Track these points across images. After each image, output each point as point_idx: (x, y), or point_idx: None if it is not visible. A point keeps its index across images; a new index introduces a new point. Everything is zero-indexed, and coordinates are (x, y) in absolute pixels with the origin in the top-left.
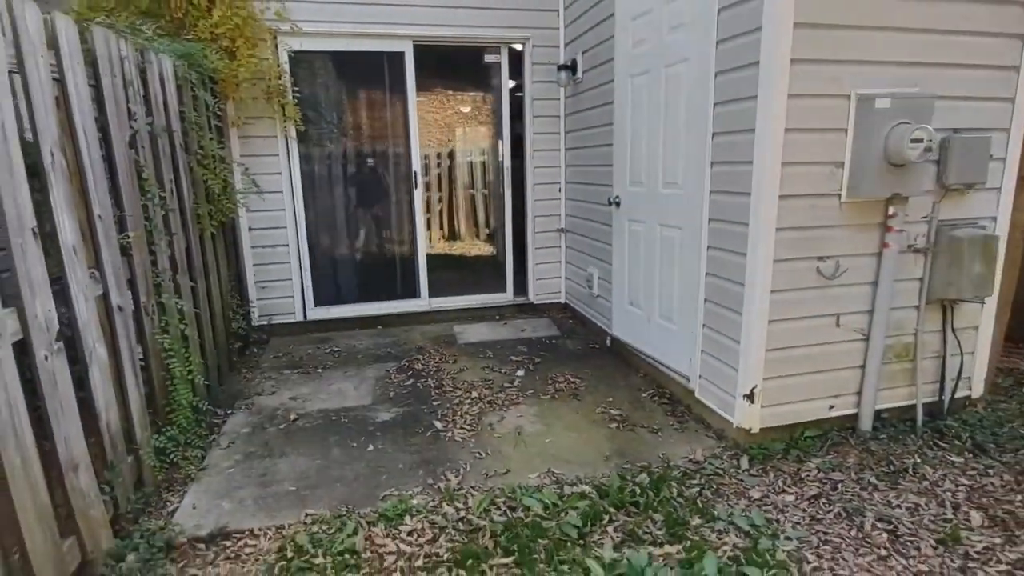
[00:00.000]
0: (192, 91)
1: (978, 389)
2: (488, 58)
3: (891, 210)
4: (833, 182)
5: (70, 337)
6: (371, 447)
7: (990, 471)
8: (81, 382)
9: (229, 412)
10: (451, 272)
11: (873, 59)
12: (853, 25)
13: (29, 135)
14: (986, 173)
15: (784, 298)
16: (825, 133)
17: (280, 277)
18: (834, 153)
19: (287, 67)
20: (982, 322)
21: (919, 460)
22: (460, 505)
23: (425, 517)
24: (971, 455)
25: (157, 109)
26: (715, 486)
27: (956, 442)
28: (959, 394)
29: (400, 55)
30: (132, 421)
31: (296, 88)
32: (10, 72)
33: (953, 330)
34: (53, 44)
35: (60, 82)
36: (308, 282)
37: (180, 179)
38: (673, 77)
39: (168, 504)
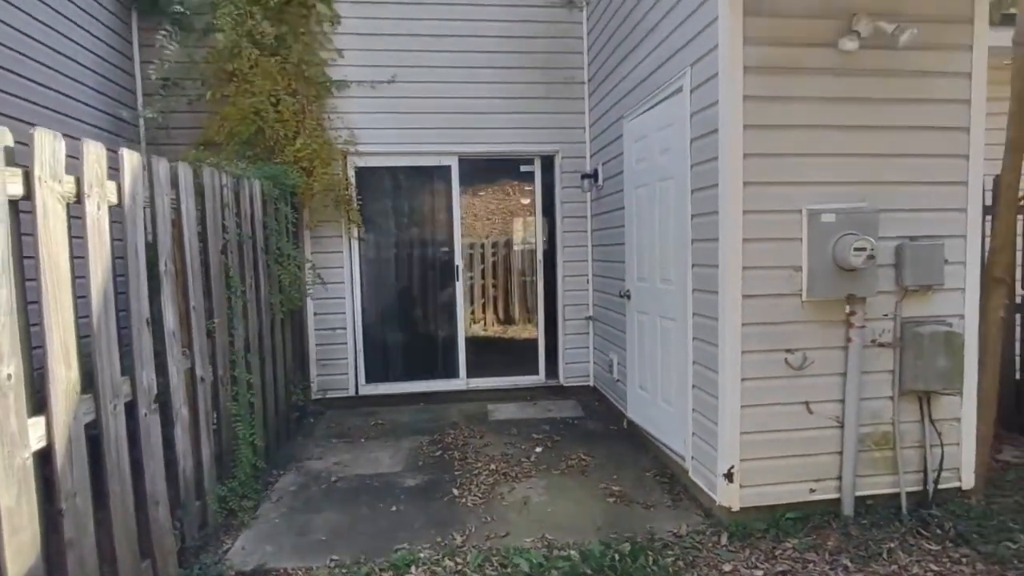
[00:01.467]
0: (275, 204)
1: (968, 481)
2: (523, 167)
3: (848, 308)
4: (793, 283)
5: (163, 404)
6: (394, 508)
7: (964, 559)
8: (167, 440)
9: (282, 472)
10: (488, 355)
11: (823, 180)
12: (802, 153)
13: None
14: (942, 276)
15: (755, 385)
16: (781, 242)
17: (337, 356)
18: (792, 259)
19: (353, 180)
20: (963, 414)
21: (895, 546)
22: (460, 560)
23: (428, 568)
24: (951, 544)
25: (245, 220)
26: (691, 558)
27: (938, 531)
28: (947, 485)
29: (447, 168)
30: (203, 472)
31: (359, 196)
32: (144, 206)
33: (932, 421)
34: (175, 183)
35: (176, 209)
36: (361, 362)
37: (259, 275)
38: (664, 191)
39: (223, 544)
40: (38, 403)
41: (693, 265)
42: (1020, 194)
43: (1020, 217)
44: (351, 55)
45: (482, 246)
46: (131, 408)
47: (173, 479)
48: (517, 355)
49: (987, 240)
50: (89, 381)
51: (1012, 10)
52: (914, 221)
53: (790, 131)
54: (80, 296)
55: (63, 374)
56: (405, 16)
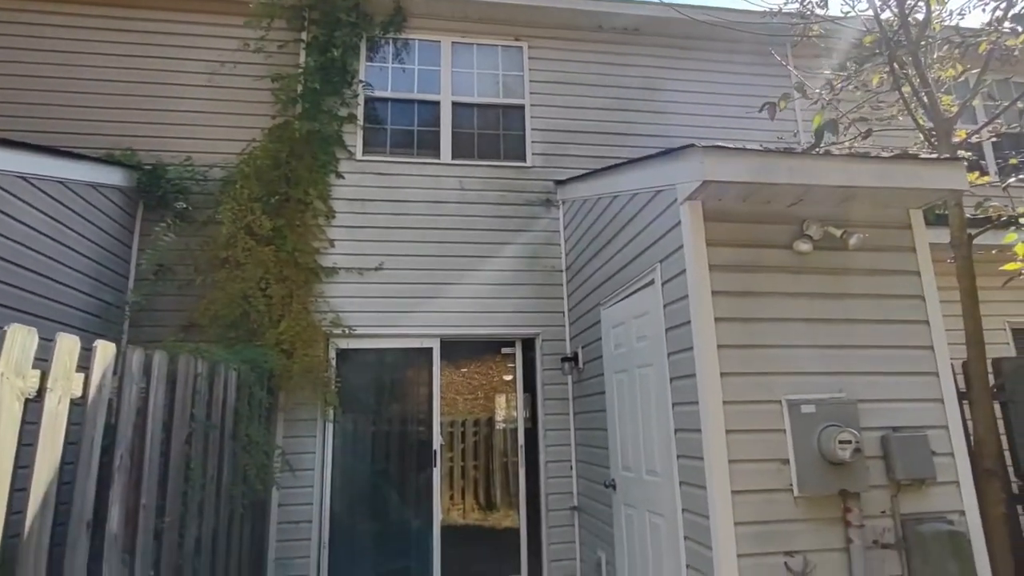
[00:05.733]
0: (250, 389)
1: None
2: (505, 350)
3: (843, 505)
4: (783, 478)
5: None
6: None
7: None
8: None
9: None
10: (466, 548)
11: (799, 370)
12: (775, 345)
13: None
14: (933, 468)
15: None
16: (766, 433)
17: (299, 554)
18: (778, 451)
19: (333, 362)
20: None
21: None
22: None
23: None
24: None
25: (216, 407)
26: None
27: None
28: None
29: (429, 349)
30: None
31: (338, 377)
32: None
33: None
34: (147, 371)
35: (144, 398)
36: (325, 560)
37: (222, 464)
38: (643, 378)
39: None
40: None
41: (678, 456)
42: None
43: (996, 402)
44: (341, 244)
45: (463, 424)
46: None
47: None
48: (498, 549)
49: (969, 423)
50: None
51: (945, 210)
52: (895, 411)
53: (761, 323)
54: (20, 488)
55: None
56: (395, 212)
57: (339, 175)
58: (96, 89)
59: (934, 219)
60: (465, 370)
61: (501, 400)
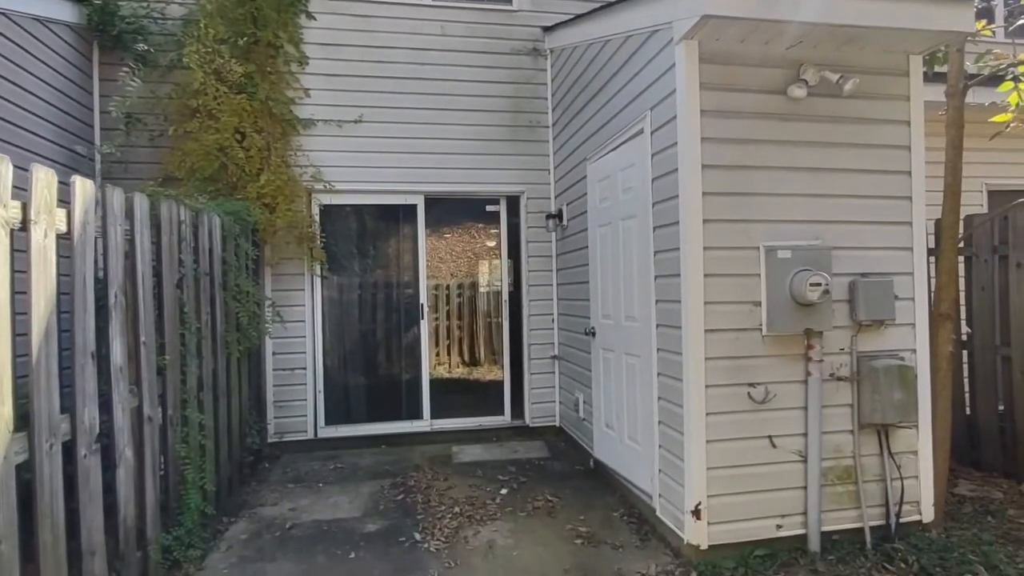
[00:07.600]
0: (235, 240)
1: (928, 514)
2: (489, 207)
3: (807, 343)
4: (754, 318)
5: (106, 446)
6: (353, 555)
7: None
8: (108, 486)
9: (233, 520)
10: (453, 396)
11: (779, 218)
12: (758, 193)
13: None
14: (893, 311)
15: (720, 420)
16: (741, 278)
17: (296, 398)
18: (752, 294)
19: (317, 217)
20: (920, 447)
21: None
22: None
23: None
24: None
25: (203, 255)
26: None
27: (902, 565)
28: (908, 519)
29: (413, 207)
30: (145, 519)
31: (323, 234)
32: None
33: (891, 454)
34: (130, 214)
35: (130, 240)
36: (321, 403)
37: (215, 312)
38: (627, 229)
39: None
40: None
41: (657, 301)
42: (959, 235)
43: (960, 258)
44: (318, 95)
45: (448, 288)
46: (70, 449)
47: (112, 527)
48: (483, 396)
49: (931, 280)
50: (25, 421)
51: (942, 68)
52: (865, 259)
53: (746, 171)
54: (21, 334)
55: None
56: (373, 59)
57: (310, 15)
58: None
59: (932, 76)
60: (449, 236)
61: (486, 263)
